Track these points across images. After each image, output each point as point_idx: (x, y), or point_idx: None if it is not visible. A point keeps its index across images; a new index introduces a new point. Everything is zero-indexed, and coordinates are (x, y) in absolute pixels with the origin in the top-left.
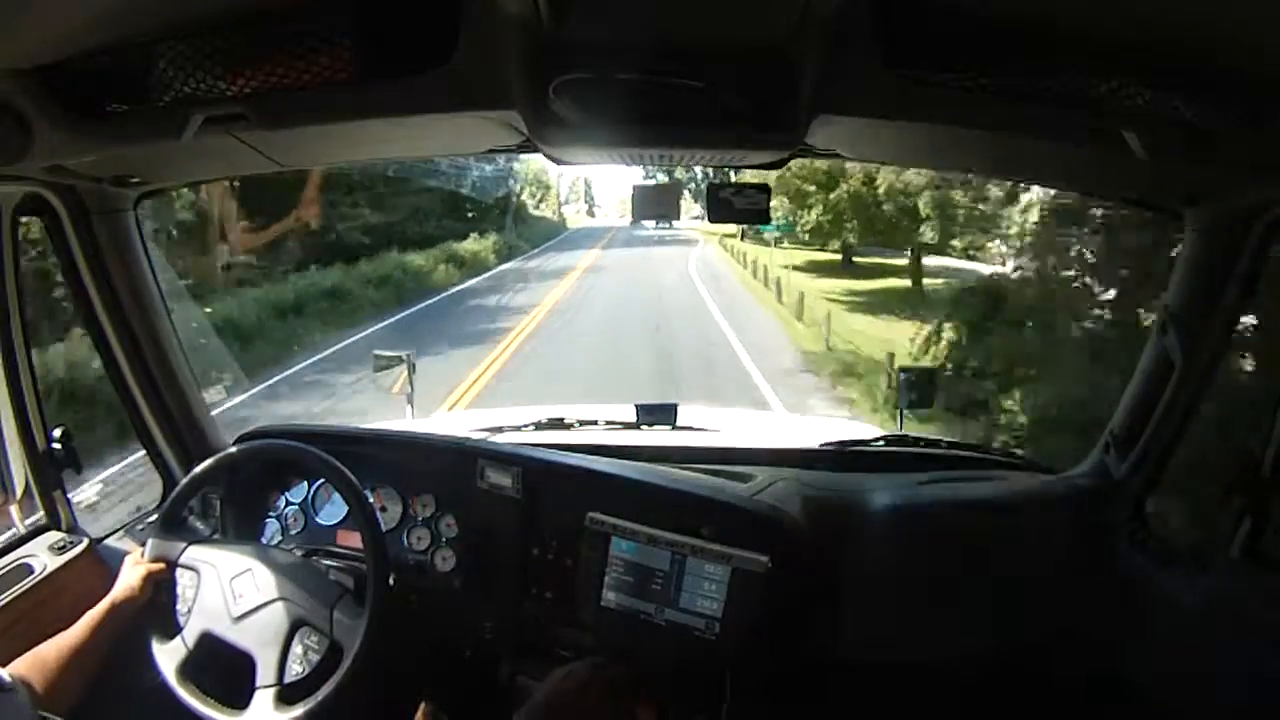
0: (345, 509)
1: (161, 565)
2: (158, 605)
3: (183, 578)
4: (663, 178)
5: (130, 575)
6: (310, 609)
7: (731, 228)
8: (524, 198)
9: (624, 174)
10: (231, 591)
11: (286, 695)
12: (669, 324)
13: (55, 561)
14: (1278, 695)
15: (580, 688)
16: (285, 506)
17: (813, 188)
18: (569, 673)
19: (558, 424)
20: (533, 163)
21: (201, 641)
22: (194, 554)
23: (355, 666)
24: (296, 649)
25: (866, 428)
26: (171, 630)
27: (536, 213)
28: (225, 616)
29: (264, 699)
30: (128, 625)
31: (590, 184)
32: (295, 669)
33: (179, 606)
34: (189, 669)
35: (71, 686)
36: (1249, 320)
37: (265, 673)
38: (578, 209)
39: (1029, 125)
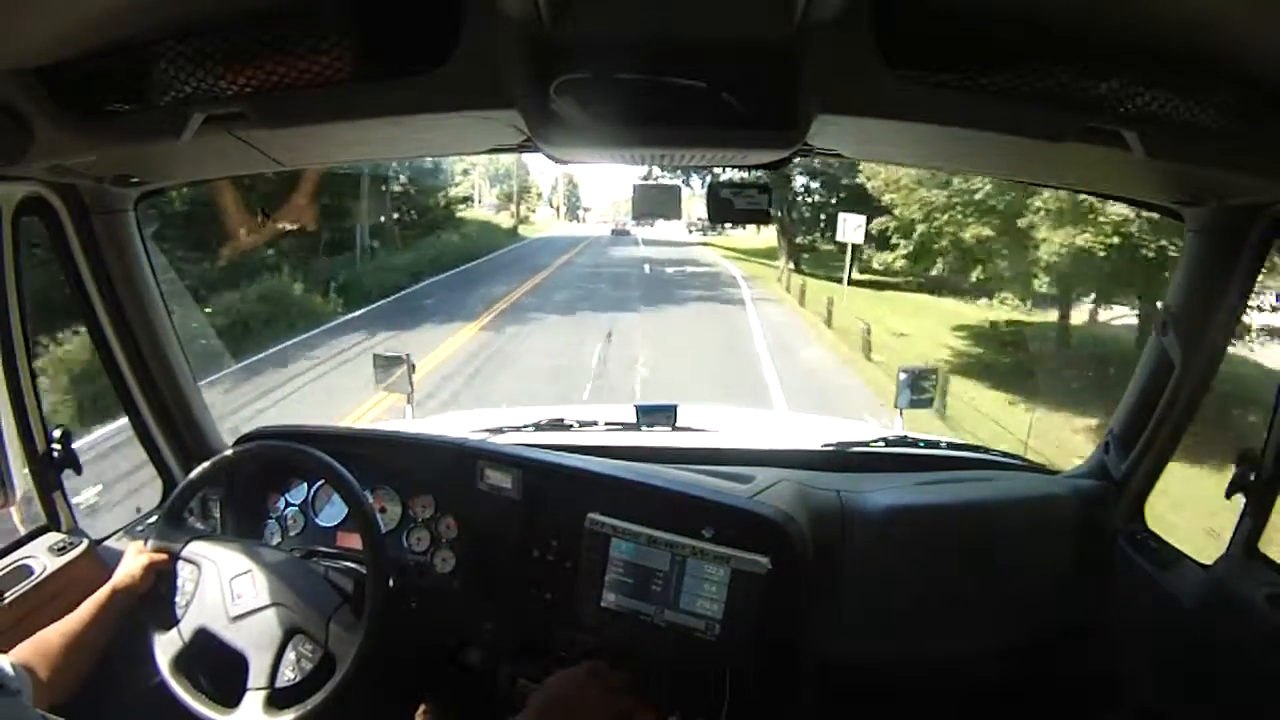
0: (345, 510)
1: (164, 555)
2: (157, 595)
3: (184, 570)
4: (659, 172)
5: (132, 563)
6: (307, 617)
7: (751, 241)
8: (489, 193)
9: (618, 175)
10: (230, 591)
11: (276, 700)
12: None
13: (55, 563)
14: (1278, 695)
15: (579, 690)
16: (285, 508)
17: None
18: (567, 675)
19: (558, 425)
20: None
21: (197, 637)
22: (196, 548)
23: (348, 678)
24: (290, 655)
25: (867, 428)
26: (169, 621)
27: (483, 215)
28: (223, 615)
29: (253, 701)
30: (128, 614)
31: (576, 183)
32: (287, 675)
33: (178, 599)
34: (183, 662)
35: (74, 673)
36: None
37: (257, 675)
38: (561, 209)
39: (1029, 125)
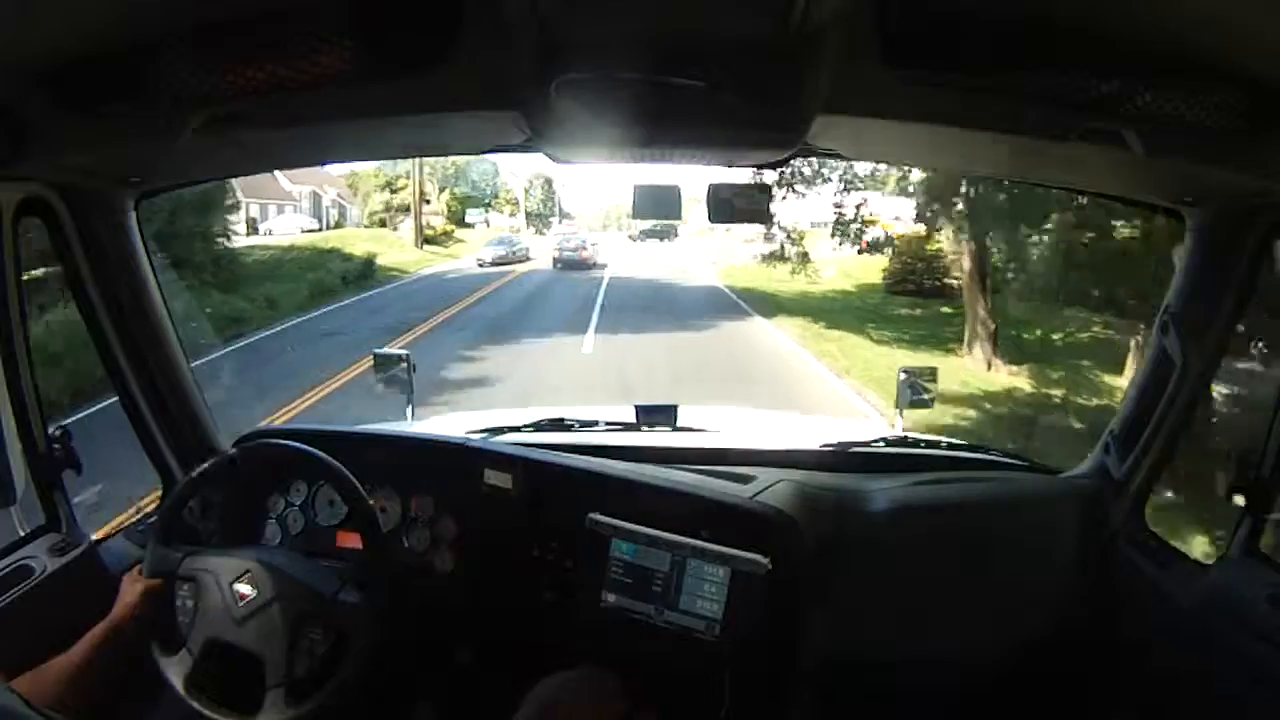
0: (345, 510)
1: (159, 581)
2: (159, 621)
3: (182, 589)
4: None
5: (129, 594)
6: (312, 601)
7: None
8: (437, 199)
9: (610, 179)
10: (232, 594)
11: (297, 691)
12: None
13: (55, 563)
14: (1278, 695)
15: (571, 696)
16: (285, 508)
17: None
18: (559, 680)
19: (558, 425)
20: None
21: (208, 650)
22: (191, 564)
23: (361, 654)
24: (303, 644)
25: (867, 428)
26: (176, 643)
27: (368, 235)
28: (229, 620)
29: (276, 698)
30: (131, 645)
31: (551, 185)
32: (304, 663)
33: (180, 619)
34: (198, 679)
35: (72, 710)
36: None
37: (274, 672)
38: (520, 217)
39: (1029, 125)
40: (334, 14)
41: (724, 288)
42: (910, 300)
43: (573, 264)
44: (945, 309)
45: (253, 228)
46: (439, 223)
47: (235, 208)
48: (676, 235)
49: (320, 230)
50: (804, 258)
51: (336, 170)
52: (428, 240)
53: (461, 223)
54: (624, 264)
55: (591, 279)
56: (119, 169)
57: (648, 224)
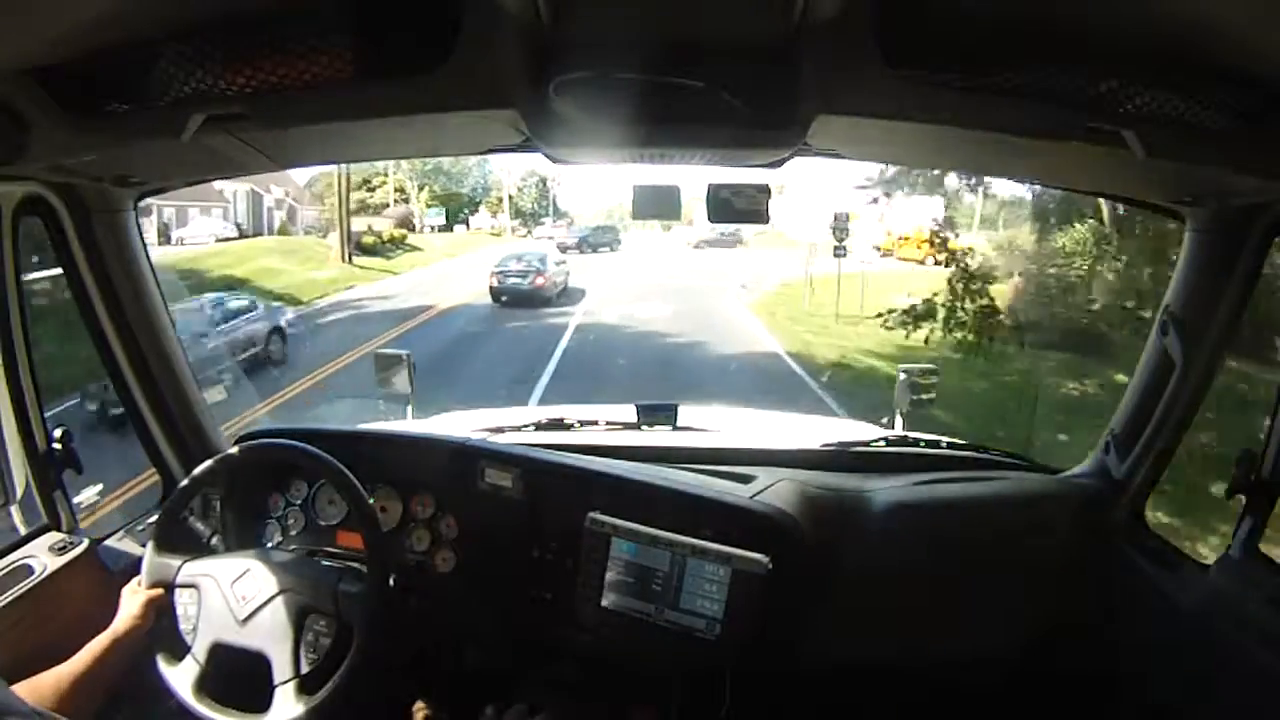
0: (346, 510)
1: (160, 590)
2: (162, 630)
3: (182, 596)
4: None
5: (130, 605)
6: (314, 594)
7: None
8: (417, 198)
9: (610, 177)
10: (234, 595)
11: (306, 686)
12: None
13: (55, 562)
14: (1278, 695)
15: None
16: (285, 508)
17: None
18: None
19: (558, 424)
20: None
21: (213, 654)
22: (190, 570)
23: (366, 642)
24: (308, 637)
25: (867, 428)
26: (180, 651)
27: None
28: (232, 622)
29: (285, 694)
30: (134, 656)
31: (545, 182)
32: (310, 657)
33: (183, 625)
34: (205, 684)
35: None
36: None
37: (281, 669)
38: (503, 216)
39: (1029, 125)
40: (334, 14)
41: (787, 359)
42: (1061, 359)
43: (520, 298)
44: (1119, 376)
45: (165, 235)
46: (383, 227)
47: (144, 212)
48: (620, 244)
49: (245, 236)
50: (990, 320)
51: (296, 171)
52: (365, 250)
53: (412, 226)
54: (606, 295)
55: (547, 329)
56: (119, 169)
57: (591, 228)
